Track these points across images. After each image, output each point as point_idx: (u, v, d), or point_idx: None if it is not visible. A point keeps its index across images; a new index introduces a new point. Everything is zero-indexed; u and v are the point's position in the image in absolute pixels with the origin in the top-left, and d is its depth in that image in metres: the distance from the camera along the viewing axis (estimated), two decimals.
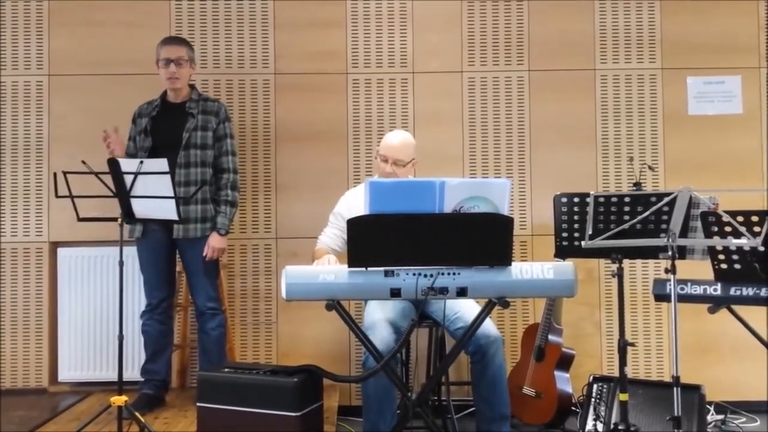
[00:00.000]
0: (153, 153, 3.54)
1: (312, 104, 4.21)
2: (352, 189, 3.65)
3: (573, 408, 3.72)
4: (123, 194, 3.07)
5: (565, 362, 3.70)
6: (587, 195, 2.78)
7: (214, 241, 3.60)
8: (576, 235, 2.95)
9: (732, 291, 2.93)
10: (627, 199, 2.75)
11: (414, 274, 2.53)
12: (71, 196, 3.05)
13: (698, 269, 3.06)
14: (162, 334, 3.69)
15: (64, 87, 4.21)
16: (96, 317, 4.14)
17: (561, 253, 3.01)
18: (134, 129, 3.70)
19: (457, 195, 2.53)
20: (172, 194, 3.03)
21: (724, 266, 2.88)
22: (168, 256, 3.68)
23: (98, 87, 4.17)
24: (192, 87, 3.74)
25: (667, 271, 2.70)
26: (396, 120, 4.21)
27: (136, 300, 4.03)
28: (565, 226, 2.98)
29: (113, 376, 3.27)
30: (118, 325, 3.09)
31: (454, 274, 2.54)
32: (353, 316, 2.77)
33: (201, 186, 3.55)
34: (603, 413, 3.34)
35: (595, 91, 4.24)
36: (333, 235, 3.35)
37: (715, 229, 2.72)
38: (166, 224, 3.52)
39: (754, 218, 2.65)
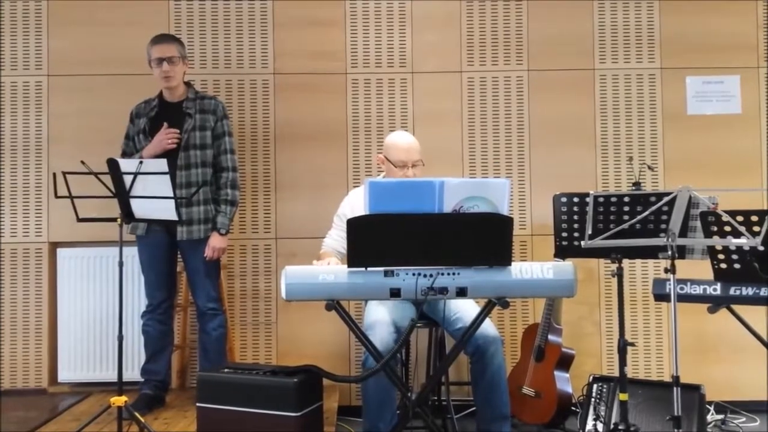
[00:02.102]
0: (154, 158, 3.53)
1: (311, 104, 4.21)
2: (355, 189, 3.62)
3: (573, 408, 3.71)
4: (122, 195, 3.07)
5: (565, 362, 3.70)
6: (587, 195, 2.78)
7: (215, 241, 3.59)
8: (576, 234, 2.96)
9: (732, 291, 2.93)
10: (626, 199, 2.75)
11: (413, 274, 2.53)
12: (71, 197, 3.05)
13: (698, 269, 3.06)
14: (162, 334, 3.69)
15: (64, 87, 4.21)
16: (96, 318, 4.13)
17: (560, 252, 3.01)
18: (132, 128, 3.69)
19: (457, 195, 2.53)
20: (171, 194, 3.03)
21: (723, 266, 2.88)
22: (169, 257, 3.67)
23: (97, 87, 4.17)
24: (188, 85, 3.73)
25: (666, 270, 2.70)
26: (395, 120, 4.21)
27: (136, 300, 4.04)
28: (564, 225, 2.99)
29: (113, 377, 3.27)
30: (118, 325, 3.08)
31: (453, 274, 2.54)
32: (353, 316, 2.77)
33: (201, 186, 3.54)
34: (603, 413, 3.34)
35: (594, 90, 4.24)
36: (338, 237, 3.32)
37: (715, 228, 2.72)
38: (168, 225, 3.51)
39: (754, 218, 2.65)
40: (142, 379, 3.70)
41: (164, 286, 3.67)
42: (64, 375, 4.14)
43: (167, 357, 3.74)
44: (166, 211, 3.05)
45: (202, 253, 3.58)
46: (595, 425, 3.34)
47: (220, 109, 3.68)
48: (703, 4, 4.24)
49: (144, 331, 3.69)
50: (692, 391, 3.19)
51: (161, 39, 3.65)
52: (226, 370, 3.11)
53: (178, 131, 3.55)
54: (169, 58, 3.57)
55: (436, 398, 3.66)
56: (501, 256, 2.56)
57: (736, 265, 2.85)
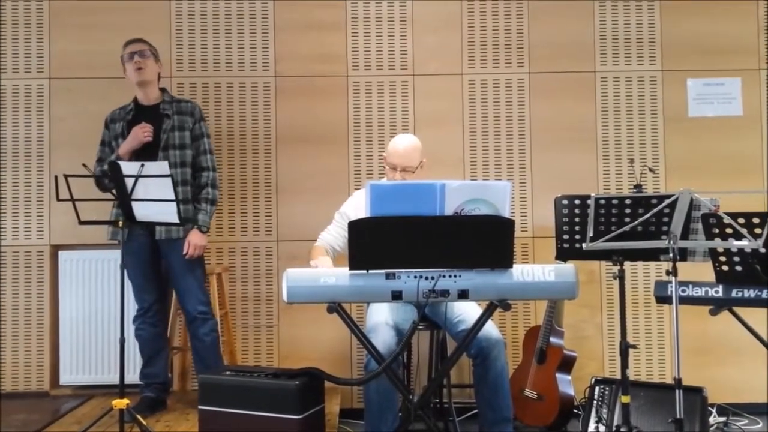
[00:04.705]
0: (132, 156, 3.51)
1: (312, 107, 4.22)
2: (360, 190, 3.61)
3: (575, 410, 3.71)
4: (124, 197, 3.07)
5: (567, 364, 3.70)
6: (588, 197, 2.78)
7: (195, 238, 3.56)
8: (577, 237, 2.96)
9: (733, 293, 2.92)
10: (628, 201, 2.75)
11: (415, 277, 2.53)
12: (72, 200, 3.05)
13: (699, 271, 3.06)
14: (156, 336, 3.68)
15: (65, 90, 4.22)
16: (97, 320, 4.14)
17: (562, 255, 3.01)
18: (108, 134, 3.67)
19: (458, 197, 2.53)
20: (173, 197, 3.02)
21: (725, 268, 2.88)
22: (153, 259, 3.64)
23: (99, 90, 4.17)
24: (163, 90, 3.73)
25: (668, 273, 2.70)
26: (396, 122, 4.22)
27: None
28: (566, 228, 2.99)
29: (115, 379, 3.28)
30: (120, 327, 3.09)
31: (455, 276, 2.54)
32: (355, 319, 2.77)
33: (202, 189, 3.54)
34: (605, 415, 3.34)
35: (595, 93, 4.24)
36: (337, 234, 3.32)
37: (716, 230, 2.72)
38: (150, 228, 3.50)
39: (756, 220, 2.65)
40: (143, 383, 3.70)
41: (153, 288, 3.66)
42: (66, 378, 4.14)
43: (164, 359, 3.73)
44: (168, 214, 3.05)
45: (181, 250, 3.55)
46: (597, 428, 3.34)
47: (197, 111, 3.69)
48: (704, 6, 4.24)
49: (137, 335, 3.68)
50: (694, 393, 3.18)
51: (133, 40, 3.67)
52: (227, 372, 3.10)
53: (151, 126, 3.55)
54: (140, 51, 3.59)
55: (438, 401, 3.66)
56: (502, 259, 2.56)
57: (738, 267, 2.84)
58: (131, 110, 3.66)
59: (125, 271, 3.61)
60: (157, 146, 3.56)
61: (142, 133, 3.52)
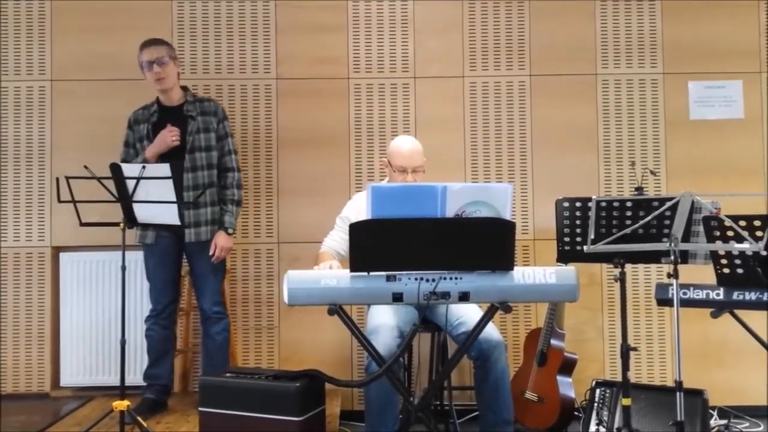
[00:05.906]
0: (158, 160, 3.51)
1: (314, 109, 4.22)
2: (360, 193, 3.61)
3: (576, 413, 3.71)
4: (125, 199, 3.07)
5: (568, 367, 3.70)
6: (589, 199, 2.78)
7: (222, 240, 3.58)
8: (578, 239, 2.96)
9: (735, 296, 2.91)
10: (629, 204, 2.75)
11: (416, 279, 2.53)
12: (74, 201, 3.05)
13: (701, 273, 3.05)
14: (165, 338, 3.68)
15: (66, 92, 4.22)
16: (98, 322, 4.14)
17: (563, 257, 3.01)
18: (132, 135, 3.67)
19: (459, 200, 2.53)
20: (174, 199, 3.03)
21: (726, 271, 2.87)
22: (175, 262, 3.67)
23: (100, 92, 4.18)
24: (185, 89, 3.73)
25: (669, 275, 2.70)
26: (398, 125, 4.22)
27: (139, 305, 4.04)
28: (567, 230, 2.99)
29: (115, 381, 3.28)
30: (121, 329, 3.09)
31: (456, 278, 2.54)
32: (355, 321, 2.77)
33: (206, 189, 3.55)
34: (606, 418, 3.34)
35: (596, 95, 4.24)
36: (339, 239, 3.32)
37: (718, 233, 2.72)
38: (176, 230, 3.51)
39: (757, 223, 2.64)
40: (145, 384, 3.70)
41: (170, 290, 3.67)
42: (67, 379, 4.14)
43: (170, 361, 3.73)
44: (169, 216, 3.06)
45: (208, 252, 3.57)
46: (597, 430, 3.34)
47: (220, 110, 3.70)
48: (705, 9, 4.24)
49: (147, 335, 3.69)
50: (695, 396, 3.18)
51: (149, 43, 3.62)
52: (228, 374, 3.11)
53: (178, 129, 3.55)
54: (158, 59, 3.55)
55: (438, 403, 3.66)
56: (503, 261, 2.55)
57: (739, 270, 2.84)
58: (155, 112, 3.65)
59: (147, 271, 3.68)
60: (183, 149, 3.56)
61: (170, 136, 3.51)
